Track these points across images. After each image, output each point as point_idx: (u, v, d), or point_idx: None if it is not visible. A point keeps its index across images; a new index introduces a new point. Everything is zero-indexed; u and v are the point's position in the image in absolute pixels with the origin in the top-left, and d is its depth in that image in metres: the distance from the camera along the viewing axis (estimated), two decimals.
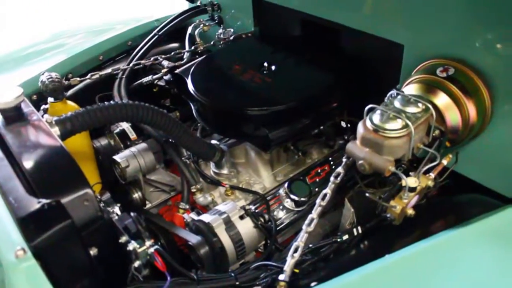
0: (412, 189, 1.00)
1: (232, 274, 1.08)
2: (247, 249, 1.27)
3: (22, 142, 1.06)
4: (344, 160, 1.11)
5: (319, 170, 1.50)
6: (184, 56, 1.99)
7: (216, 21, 2.14)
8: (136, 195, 1.55)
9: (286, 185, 1.43)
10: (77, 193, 0.91)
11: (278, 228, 1.35)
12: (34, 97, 1.80)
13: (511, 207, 1.08)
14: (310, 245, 1.11)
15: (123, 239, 0.94)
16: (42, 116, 1.18)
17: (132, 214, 1.00)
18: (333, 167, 1.51)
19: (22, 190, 0.91)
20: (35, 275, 0.79)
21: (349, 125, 1.61)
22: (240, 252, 1.26)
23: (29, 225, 0.83)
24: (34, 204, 0.85)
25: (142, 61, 1.93)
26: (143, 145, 1.60)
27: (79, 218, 0.88)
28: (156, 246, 0.96)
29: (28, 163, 0.98)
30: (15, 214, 0.85)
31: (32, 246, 0.81)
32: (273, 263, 1.08)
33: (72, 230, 0.85)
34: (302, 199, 1.40)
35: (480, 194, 1.23)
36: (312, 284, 0.93)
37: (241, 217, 1.28)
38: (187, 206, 1.51)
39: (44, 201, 0.85)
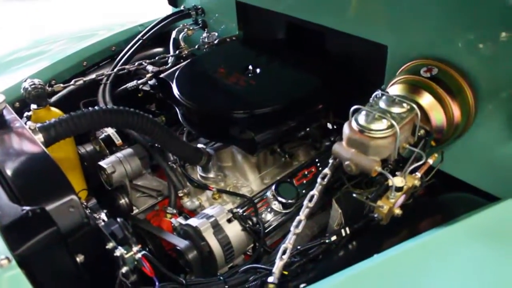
0: (398, 189, 1.01)
1: (221, 278, 1.08)
2: (235, 252, 1.27)
3: (4, 150, 1.04)
4: (330, 161, 1.11)
5: (306, 172, 1.50)
6: (169, 61, 1.98)
7: (200, 25, 2.14)
8: (123, 200, 1.54)
9: (273, 187, 1.42)
10: (62, 199, 0.89)
11: (266, 231, 1.34)
12: (17, 104, 1.77)
13: (496, 204, 1.09)
14: (299, 247, 1.11)
15: (110, 245, 0.93)
16: (25, 123, 1.17)
17: (118, 219, 0.99)
18: (320, 168, 1.51)
19: (5, 198, 0.90)
20: (20, 284, 0.77)
21: (335, 127, 1.61)
22: (228, 256, 1.25)
23: (13, 233, 0.82)
24: (18, 211, 0.84)
25: (127, 66, 1.92)
26: (129, 150, 1.59)
27: (64, 225, 0.87)
28: (144, 251, 0.95)
29: (11, 171, 0.97)
30: None
31: (17, 254, 0.80)
32: (262, 266, 1.08)
33: (57, 237, 0.84)
34: (290, 201, 1.40)
35: (466, 193, 1.25)
36: (301, 285, 0.93)
37: (229, 221, 1.28)
38: (175, 211, 1.50)
39: (28, 208, 0.83)
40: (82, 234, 0.90)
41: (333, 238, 1.13)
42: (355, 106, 1.07)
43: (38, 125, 1.17)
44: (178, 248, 1.24)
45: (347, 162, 1.04)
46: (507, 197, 1.08)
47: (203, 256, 1.23)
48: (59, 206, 0.88)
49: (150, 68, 1.92)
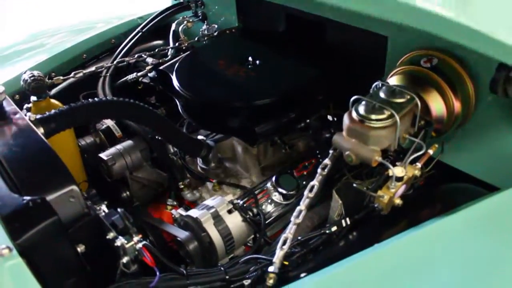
0: (399, 179, 1.01)
1: (222, 268, 1.08)
2: (236, 243, 1.27)
3: (5, 141, 1.04)
4: (331, 152, 1.11)
5: (306, 164, 1.50)
6: (169, 53, 1.98)
7: (200, 18, 2.13)
8: (123, 193, 1.54)
9: (273, 179, 1.43)
10: (62, 190, 0.89)
11: (266, 222, 1.35)
12: (17, 97, 1.76)
13: (495, 194, 1.09)
14: (299, 237, 1.11)
15: (111, 235, 0.93)
16: (25, 115, 1.17)
17: (119, 209, 0.99)
18: (320, 160, 1.51)
19: (6, 188, 0.90)
20: (21, 274, 0.77)
21: (335, 119, 1.61)
22: (229, 247, 1.25)
23: (14, 223, 0.82)
24: (19, 201, 0.84)
25: (126, 59, 1.91)
26: (129, 142, 1.59)
27: (65, 215, 0.87)
28: (144, 242, 0.96)
29: (11, 161, 0.97)
30: None
31: (18, 244, 0.80)
32: (263, 256, 1.08)
33: (58, 227, 0.84)
34: (290, 192, 1.40)
35: (465, 183, 1.25)
36: (302, 275, 0.93)
37: (229, 211, 1.28)
38: (175, 203, 1.50)
39: (28, 198, 0.84)
40: (83, 224, 0.90)
41: (334, 228, 1.13)
42: (355, 96, 1.07)
43: (38, 116, 1.17)
44: (178, 239, 1.25)
45: (347, 152, 1.04)
46: (506, 187, 1.09)
47: (203, 247, 1.23)
48: (60, 196, 0.88)
49: (149, 60, 1.91)
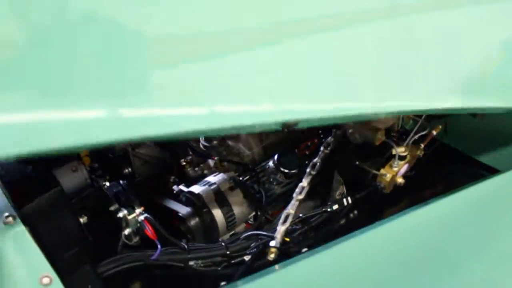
0: (402, 158, 1.01)
1: (223, 244, 1.08)
2: (237, 220, 1.27)
3: None
4: (334, 130, 1.11)
5: (308, 143, 1.50)
6: None
7: None
8: (125, 168, 1.53)
9: (275, 157, 1.42)
10: (66, 161, 0.90)
11: (268, 200, 1.35)
12: None
13: (496, 176, 1.09)
14: (300, 215, 1.11)
15: (113, 207, 0.93)
16: None
17: (121, 182, 1.00)
18: (323, 139, 1.51)
19: None
20: (24, 242, 0.78)
21: None
22: (230, 223, 1.26)
23: (17, 192, 0.82)
24: (23, 171, 0.84)
25: None
26: None
27: (68, 185, 0.88)
28: (146, 214, 0.96)
29: None
30: (3, 181, 0.84)
31: (21, 212, 0.80)
32: (264, 232, 1.09)
33: (61, 197, 0.84)
34: (292, 171, 1.40)
35: (467, 165, 1.25)
36: (303, 250, 0.94)
37: (231, 188, 1.28)
38: (177, 179, 1.50)
39: (32, 168, 0.84)
40: (86, 195, 0.91)
41: (335, 207, 1.13)
42: None
43: None
44: (180, 214, 1.25)
45: (351, 131, 1.04)
46: (506, 170, 1.09)
47: (205, 223, 1.23)
48: (63, 167, 0.89)
49: None
